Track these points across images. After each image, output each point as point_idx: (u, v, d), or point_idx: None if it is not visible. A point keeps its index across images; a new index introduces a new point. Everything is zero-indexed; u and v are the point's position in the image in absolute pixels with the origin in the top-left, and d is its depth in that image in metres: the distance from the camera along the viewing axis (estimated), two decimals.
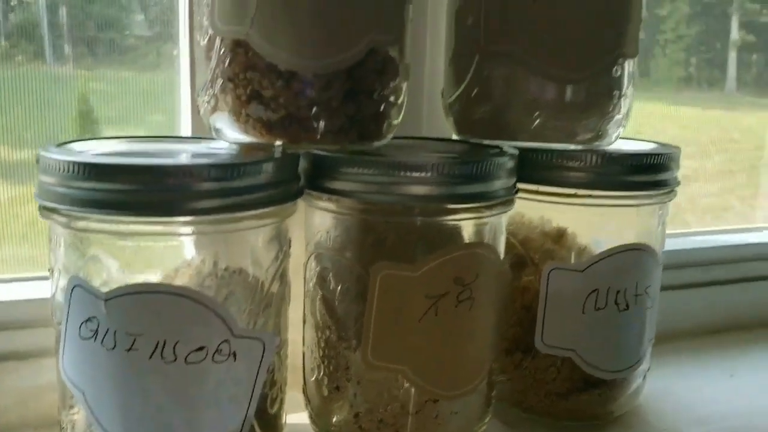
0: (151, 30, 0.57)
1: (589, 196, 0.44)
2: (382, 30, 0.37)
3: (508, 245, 0.47)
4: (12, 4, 0.55)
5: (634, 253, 0.45)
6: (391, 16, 0.37)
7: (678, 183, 0.47)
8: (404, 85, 0.41)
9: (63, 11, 0.55)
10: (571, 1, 0.39)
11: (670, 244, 0.67)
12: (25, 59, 0.54)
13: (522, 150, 0.43)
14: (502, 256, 0.42)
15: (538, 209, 0.46)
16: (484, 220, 0.40)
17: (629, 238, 0.46)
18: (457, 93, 0.43)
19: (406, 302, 0.38)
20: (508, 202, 0.41)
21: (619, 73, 0.41)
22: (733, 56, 0.84)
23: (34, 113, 0.53)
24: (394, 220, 0.38)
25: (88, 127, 0.55)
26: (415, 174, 0.37)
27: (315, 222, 0.40)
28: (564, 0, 0.39)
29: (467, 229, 0.40)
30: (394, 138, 0.48)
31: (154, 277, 0.36)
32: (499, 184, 0.40)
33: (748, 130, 0.88)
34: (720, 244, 0.67)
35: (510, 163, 0.41)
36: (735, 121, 0.87)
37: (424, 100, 0.52)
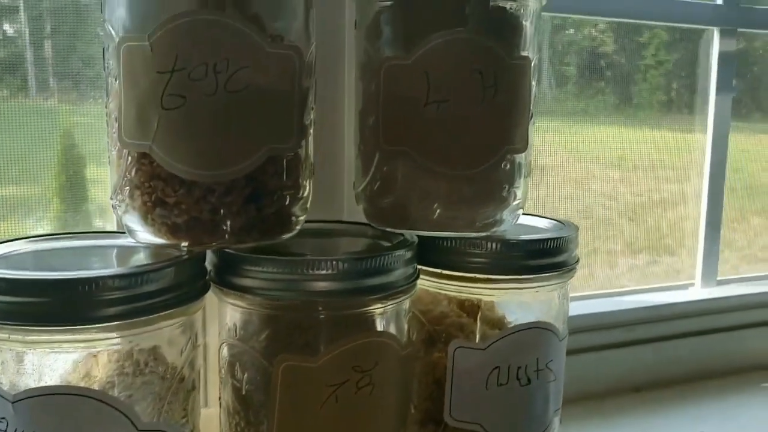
0: None
1: (489, 279, 0.47)
2: (280, 139, 0.40)
3: (419, 323, 0.49)
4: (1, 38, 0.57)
5: (534, 332, 0.47)
6: (288, 125, 0.40)
7: (576, 261, 0.50)
8: (308, 182, 0.44)
9: (48, 45, 0.57)
10: (458, 107, 0.42)
11: (594, 306, 0.70)
12: (9, 93, 0.56)
13: (426, 237, 0.46)
14: (405, 338, 0.45)
15: (446, 288, 0.49)
16: (385, 308, 0.43)
17: (530, 316, 0.49)
18: (363, 185, 0.46)
19: (307, 391, 0.40)
20: (407, 290, 0.44)
21: (508, 167, 0.45)
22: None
23: (19, 147, 0.55)
24: (296, 315, 0.41)
25: (71, 160, 0.57)
26: (316, 272, 0.40)
27: (225, 313, 0.43)
28: (451, 106, 0.42)
29: (369, 317, 0.43)
30: (314, 222, 0.51)
31: (63, 377, 0.38)
32: (398, 274, 0.43)
33: (729, 154, 0.87)
34: (641, 305, 0.70)
35: (408, 254, 0.44)
36: None
37: (346, 186, 0.55)
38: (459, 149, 0.43)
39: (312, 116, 0.43)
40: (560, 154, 0.76)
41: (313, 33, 0.43)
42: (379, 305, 0.43)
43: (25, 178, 0.57)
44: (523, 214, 0.54)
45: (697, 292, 0.76)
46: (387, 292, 0.42)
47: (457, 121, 0.43)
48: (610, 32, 0.78)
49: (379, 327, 0.43)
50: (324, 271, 0.40)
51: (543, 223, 0.53)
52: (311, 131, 0.43)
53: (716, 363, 0.73)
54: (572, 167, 0.77)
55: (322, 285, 0.40)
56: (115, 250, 0.44)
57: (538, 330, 0.47)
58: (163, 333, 0.40)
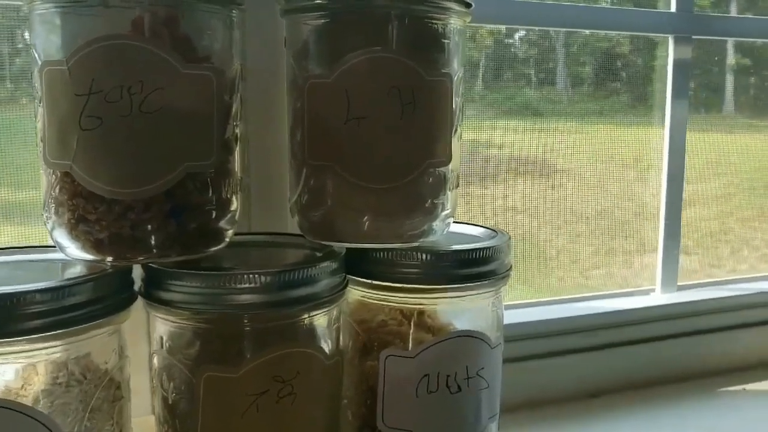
0: None
1: (416, 289, 0.48)
2: (198, 157, 0.41)
3: (355, 333, 0.51)
4: (18, 47, 0.59)
5: (462, 340, 0.48)
6: (208, 143, 0.41)
7: (509, 269, 0.51)
8: (235, 197, 0.45)
9: None
10: (376, 123, 0.43)
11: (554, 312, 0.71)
12: (29, 101, 0.57)
13: (358, 248, 0.47)
14: (332, 347, 0.46)
15: (382, 298, 0.50)
16: (310, 319, 0.44)
17: (466, 324, 0.50)
18: (294, 198, 0.48)
19: (229, 401, 0.41)
20: (332, 301, 0.45)
21: (431, 180, 0.46)
22: (730, 79, 0.86)
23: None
24: (221, 328, 0.42)
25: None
26: (239, 285, 0.41)
27: (154, 325, 0.44)
28: (370, 122, 0.43)
29: (293, 328, 0.44)
30: (255, 234, 0.52)
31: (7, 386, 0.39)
32: (323, 285, 0.44)
33: (746, 152, 0.90)
34: (600, 311, 0.71)
35: (333, 266, 0.45)
36: (733, 144, 0.89)
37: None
38: (380, 164, 0.44)
39: (238, 132, 0.44)
40: (577, 155, 0.76)
41: (236, 53, 0.44)
42: (304, 316, 0.44)
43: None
44: (460, 222, 0.55)
45: (657, 297, 0.77)
46: (311, 303, 0.43)
47: (376, 136, 0.44)
48: (626, 34, 0.77)
49: (304, 337, 0.44)
50: (246, 285, 0.41)
51: (477, 231, 0.54)
52: (237, 147, 0.44)
53: (673, 368, 0.73)
54: (588, 168, 0.78)
55: (245, 298, 0.42)
56: (60, 264, 0.46)
57: (467, 338, 0.48)
58: (91, 343, 0.41)
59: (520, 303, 0.73)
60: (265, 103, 0.53)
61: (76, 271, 0.43)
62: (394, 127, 0.44)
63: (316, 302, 0.44)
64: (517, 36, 0.77)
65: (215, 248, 0.44)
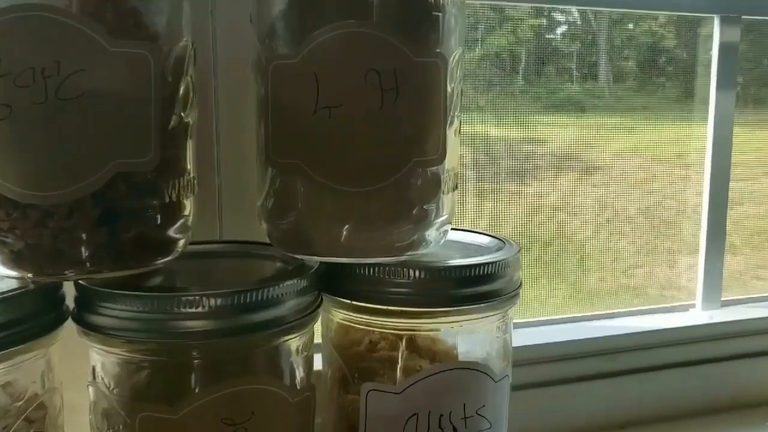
0: None
1: (407, 313, 0.40)
2: (132, 153, 0.34)
3: (335, 361, 0.43)
4: None
5: (459, 373, 0.41)
6: (144, 137, 0.34)
7: (518, 286, 0.43)
8: (187, 200, 0.38)
9: None
10: (351, 113, 0.36)
11: (567, 333, 0.62)
12: None
13: (336, 263, 0.40)
14: (300, 381, 0.39)
15: (366, 322, 0.43)
16: (272, 348, 0.37)
17: (462, 352, 0.42)
18: (260, 202, 0.40)
19: None
20: (300, 326, 0.38)
21: (420, 182, 0.38)
22: None
23: None
24: (163, 360, 0.35)
25: None
26: (185, 309, 0.34)
27: (90, 353, 0.38)
28: (343, 113, 0.36)
29: (252, 359, 0.37)
30: (217, 243, 0.45)
31: None
32: (288, 308, 0.37)
33: None
34: (625, 332, 0.62)
35: (302, 284, 0.38)
36: None
37: None
38: (356, 163, 0.37)
39: (190, 122, 0.37)
40: (619, 151, 0.72)
41: (187, 28, 0.37)
42: (264, 345, 0.37)
43: None
44: (460, 230, 0.48)
45: (698, 315, 0.68)
46: (273, 329, 0.36)
47: (351, 129, 0.36)
48: (671, 26, 0.75)
49: (263, 370, 0.37)
50: (194, 309, 0.34)
51: (481, 240, 0.46)
52: (189, 141, 0.37)
53: (716, 397, 0.64)
54: (631, 164, 0.73)
55: (192, 325, 0.35)
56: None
57: (464, 371, 0.41)
58: (15, 370, 0.35)
59: (535, 321, 0.65)
60: (237, 93, 0.47)
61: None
62: (373, 118, 0.36)
63: (279, 328, 0.36)
64: (559, 30, 0.74)
65: (162, 261, 0.37)
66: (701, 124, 0.72)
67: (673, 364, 0.63)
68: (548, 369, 0.60)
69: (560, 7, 0.69)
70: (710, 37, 0.69)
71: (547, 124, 0.71)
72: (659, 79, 0.75)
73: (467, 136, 0.66)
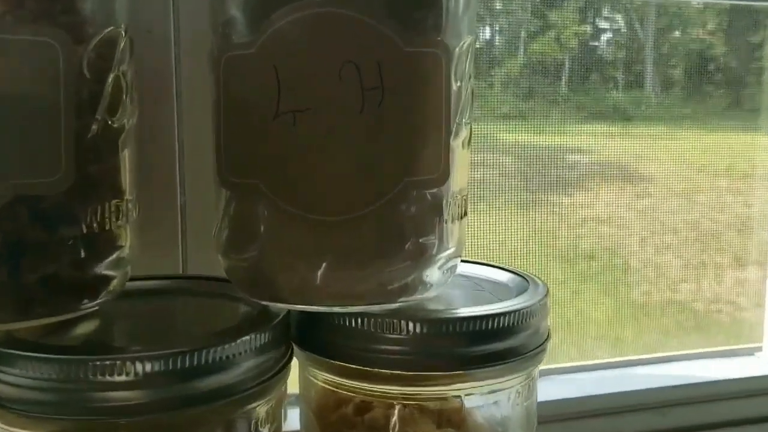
0: None
1: (402, 377, 0.31)
2: (36, 172, 0.26)
3: (311, 427, 0.35)
4: None
5: None
6: (52, 150, 0.26)
7: (546, 339, 0.34)
8: (121, 230, 0.30)
9: None
10: (323, 119, 0.27)
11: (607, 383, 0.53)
12: None
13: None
14: None
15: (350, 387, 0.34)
16: (226, 422, 0.29)
17: (480, 419, 0.33)
18: (214, 232, 0.32)
19: None
20: (260, 394, 0.29)
21: (414, 208, 0.29)
22: None
23: None
24: None
25: None
26: (108, 378, 0.26)
27: None
28: (312, 118, 0.27)
29: None
30: (175, 279, 0.38)
31: None
32: (245, 371, 0.28)
33: None
34: (678, 382, 0.52)
35: (264, 338, 0.29)
36: None
37: None
38: (330, 184, 0.28)
39: (125, 126, 0.29)
40: (666, 161, 0.69)
41: (120, 10, 0.29)
42: (214, 420, 0.28)
43: None
44: (474, 262, 0.39)
45: (765, 361, 0.57)
46: (224, 399, 0.28)
47: (322, 140, 0.28)
48: (720, 33, 0.72)
49: None
50: (119, 377, 0.26)
51: (499, 277, 0.37)
52: (119, 154, 0.29)
53: None
54: (678, 175, 0.70)
55: (118, 396, 0.27)
56: None
57: None
58: None
59: (567, 367, 0.55)
60: (205, 94, 0.38)
61: None
62: (351, 125, 0.28)
63: (233, 398, 0.28)
64: (603, 37, 0.72)
65: (87, 306, 0.29)
66: (752, 133, 0.68)
67: (738, 422, 0.53)
68: (583, 427, 0.50)
69: (606, 14, 0.67)
70: (761, 45, 0.65)
71: (591, 133, 0.68)
72: (707, 87, 0.71)
73: (509, 144, 0.63)
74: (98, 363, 0.26)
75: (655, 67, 0.70)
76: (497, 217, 0.64)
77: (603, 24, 0.70)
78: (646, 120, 0.71)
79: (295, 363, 0.33)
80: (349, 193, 0.28)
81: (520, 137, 0.64)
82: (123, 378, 0.26)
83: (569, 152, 0.68)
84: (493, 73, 0.62)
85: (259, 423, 0.30)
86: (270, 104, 0.28)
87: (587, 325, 0.64)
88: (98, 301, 0.30)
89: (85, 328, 0.31)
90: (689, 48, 0.72)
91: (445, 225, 0.31)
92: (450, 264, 0.33)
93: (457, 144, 0.30)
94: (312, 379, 0.34)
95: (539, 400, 0.36)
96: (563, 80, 0.68)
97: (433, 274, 0.31)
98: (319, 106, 0.27)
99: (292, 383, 0.35)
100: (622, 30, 0.71)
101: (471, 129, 0.32)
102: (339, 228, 0.29)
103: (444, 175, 0.29)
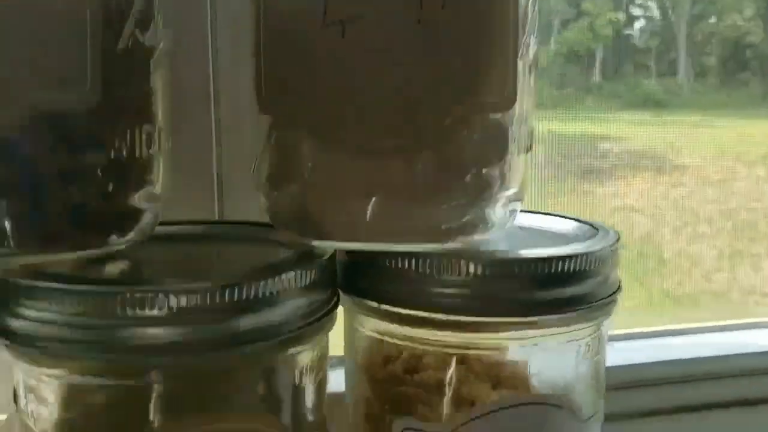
0: None
1: (459, 324, 0.28)
2: (58, 84, 0.24)
3: (358, 385, 0.32)
4: None
5: (531, 410, 0.29)
6: (78, 60, 0.24)
7: (616, 290, 0.31)
8: (153, 158, 0.27)
9: None
10: (376, 30, 0.24)
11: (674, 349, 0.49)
12: None
13: (358, 253, 0.29)
14: (306, 414, 0.28)
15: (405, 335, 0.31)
16: (269, 366, 0.26)
17: (536, 379, 0.30)
18: (253, 167, 0.29)
19: None
20: (310, 335, 0.27)
21: (476, 136, 0.26)
22: None
23: None
24: (106, 384, 0.25)
25: None
26: (140, 312, 0.24)
27: (13, 370, 0.27)
28: (364, 29, 0.24)
29: (234, 385, 0.26)
30: (198, 224, 0.35)
31: None
32: (284, 313, 0.26)
33: None
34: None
35: (310, 276, 0.27)
36: None
37: None
38: (383, 107, 0.25)
39: (157, 45, 0.27)
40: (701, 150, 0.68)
41: None
42: (254, 365, 0.26)
43: None
44: (536, 212, 0.36)
45: None
46: (266, 341, 0.25)
47: (374, 56, 0.25)
48: (758, 19, 0.71)
49: (253, 400, 0.26)
50: (152, 311, 0.24)
51: (564, 226, 0.34)
52: (150, 76, 0.27)
53: None
54: (712, 164, 0.69)
55: (149, 334, 0.24)
56: None
57: (538, 408, 0.29)
58: None
59: (628, 334, 0.52)
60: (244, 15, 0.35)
61: None
62: (408, 37, 0.25)
63: (276, 340, 0.25)
64: (637, 25, 0.72)
65: (117, 242, 0.27)
66: None
67: None
68: (648, 396, 0.47)
69: (639, 1, 0.67)
70: None
71: (624, 121, 0.68)
72: (743, 75, 0.71)
73: (541, 133, 0.60)
74: (128, 295, 0.23)
75: (690, 54, 0.70)
76: (528, 205, 0.65)
77: (636, 11, 0.70)
78: (681, 108, 0.70)
79: (340, 322, 0.30)
80: (405, 116, 0.25)
81: (552, 126, 0.62)
82: (156, 312, 0.24)
83: (602, 141, 0.67)
84: None
85: (303, 373, 0.28)
86: (316, 12, 0.25)
87: (618, 315, 0.63)
88: (127, 238, 0.27)
89: (116, 268, 0.28)
90: (725, 35, 0.71)
91: (509, 156, 0.28)
92: (512, 205, 0.30)
93: (524, 66, 0.27)
94: (359, 329, 0.31)
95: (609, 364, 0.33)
96: (596, 68, 0.68)
97: (494, 213, 0.28)
98: (372, 15, 0.24)
99: (338, 348, 0.32)
100: (656, 17, 0.70)
101: (536, 51, 0.29)
102: (392, 157, 0.26)
103: (510, 99, 0.26)
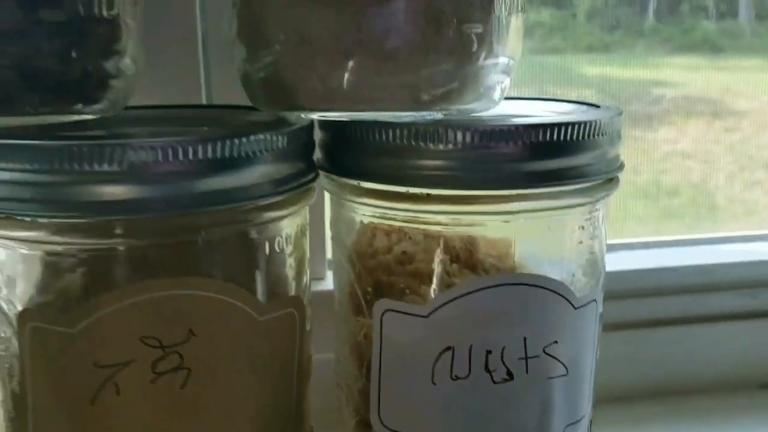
0: None
1: (446, 198, 0.27)
2: None
3: (343, 270, 0.31)
4: None
5: (518, 291, 0.27)
6: None
7: (618, 166, 0.29)
8: (121, 28, 0.26)
9: None
10: None
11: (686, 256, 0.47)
12: None
13: (337, 124, 0.27)
14: (282, 286, 0.26)
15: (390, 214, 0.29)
16: (240, 233, 0.25)
17: (527, 261, 0.28)
18: (224, 28, 0.28)
19: (67, 374, 0.23)
20: (287, 202, 0.25)
21: None
22: None
23: None
24: (66, 244, 0.24)
25: None
26: (100, 167, 0.22)
27: None
28: None
29: (195, 251, 0.25)
30: (179, 108, 0.34)
31: None
32: (257, 176, 0.24)
33: None
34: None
35: (281, 142, 0.25)
36: None
37: None
38: None
39: None
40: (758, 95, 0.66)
41: None
42: (224, 227, 0.25)
43: None
44: (531, 99, 0.34)
45: None
46: (234, 203, 0.24)
47: None
48: None
49: (217, 267, 0.25)
50: (112, 167, 0.22)
51: (558, 106, 0.32)
52: None
53: None
54: None
55: (110, 191, 0.23)
56: None
57: (527, 289, 0.27)
58: None
59: (638, 243, 0.50)
60: None
61: None
62: None
63: (242, 204, 0.24)
64: None
65: (83, 111, 0.26)
66: None
67: None
68: (658, 305, 0.45)
69: None
70: None
71: (679, 66, 0.65)
72: None
73: (592, 77, 0.60)
74: (85, 149, 0.22)
75: None
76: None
77: None
78: (739, 52, 0.67)
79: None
80: None
81: (604, 70, 0.62)
82: (116, 168, 0.22)
83: (655, 86, 0.65)
84: (576, 3, 0.59)
85: (276, 246, 0.26)
86: None
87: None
88: (95, 107, 0.26)
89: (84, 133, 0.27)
90: None
91: (495, 15, 0.25)
92: (503, 75, 0.27)
93: None
94: (347, 214, 0.30)
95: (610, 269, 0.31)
96: (650, 10, 0.65)
97: (480, 80, 0.26)
98: None
99: None
100: None
101: None
102: (366, 13, 0.24)
103: None
